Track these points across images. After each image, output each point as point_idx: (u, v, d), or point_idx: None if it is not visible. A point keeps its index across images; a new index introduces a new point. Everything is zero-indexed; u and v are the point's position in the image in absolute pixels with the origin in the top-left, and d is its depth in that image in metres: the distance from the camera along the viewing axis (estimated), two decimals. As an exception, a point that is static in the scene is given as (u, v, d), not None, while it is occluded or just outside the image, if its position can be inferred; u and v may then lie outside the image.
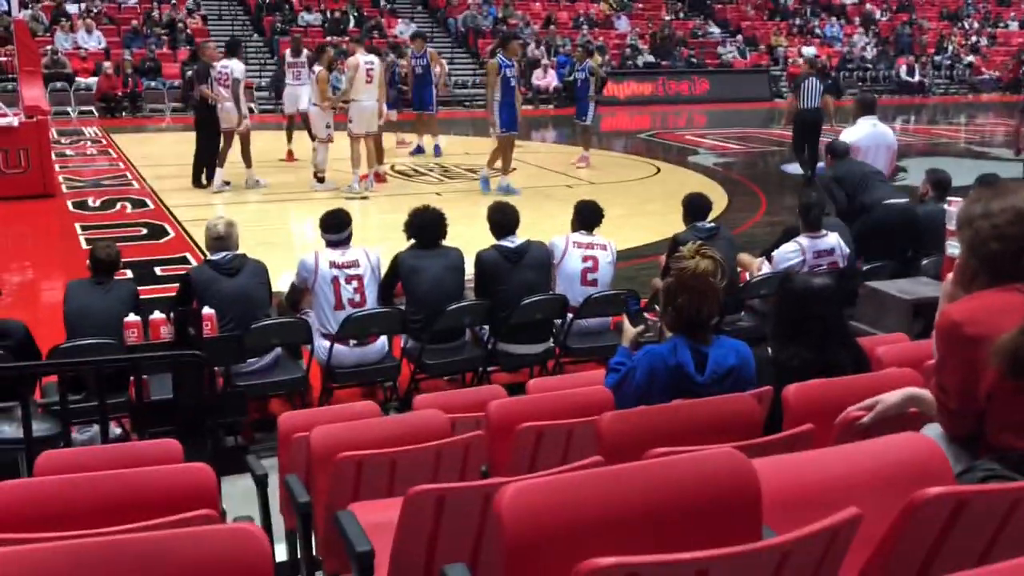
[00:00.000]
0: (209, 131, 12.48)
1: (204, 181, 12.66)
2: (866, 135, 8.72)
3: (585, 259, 6.47)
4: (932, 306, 5.38)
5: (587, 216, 6.62)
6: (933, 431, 2.43)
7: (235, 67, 12.45)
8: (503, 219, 6.35)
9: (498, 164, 12.72)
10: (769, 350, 3.83)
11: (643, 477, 1.82)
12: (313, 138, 13.04)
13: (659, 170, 15.38)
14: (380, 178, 12.94)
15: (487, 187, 12.52)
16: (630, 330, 3.77)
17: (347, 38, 22.83)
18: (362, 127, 12.24)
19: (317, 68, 12.68)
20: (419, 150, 15.66)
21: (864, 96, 9.90)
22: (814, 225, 6.58)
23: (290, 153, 15.10)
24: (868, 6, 33.16)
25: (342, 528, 2.57)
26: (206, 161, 12.64)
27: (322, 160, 12.59)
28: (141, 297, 5.69)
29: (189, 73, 13.00)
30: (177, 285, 6.03)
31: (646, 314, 6.26)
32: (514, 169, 13.03)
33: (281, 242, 9.69)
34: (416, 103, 15.61)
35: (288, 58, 15.24)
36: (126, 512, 2.19)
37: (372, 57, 12.42)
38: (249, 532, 1.69)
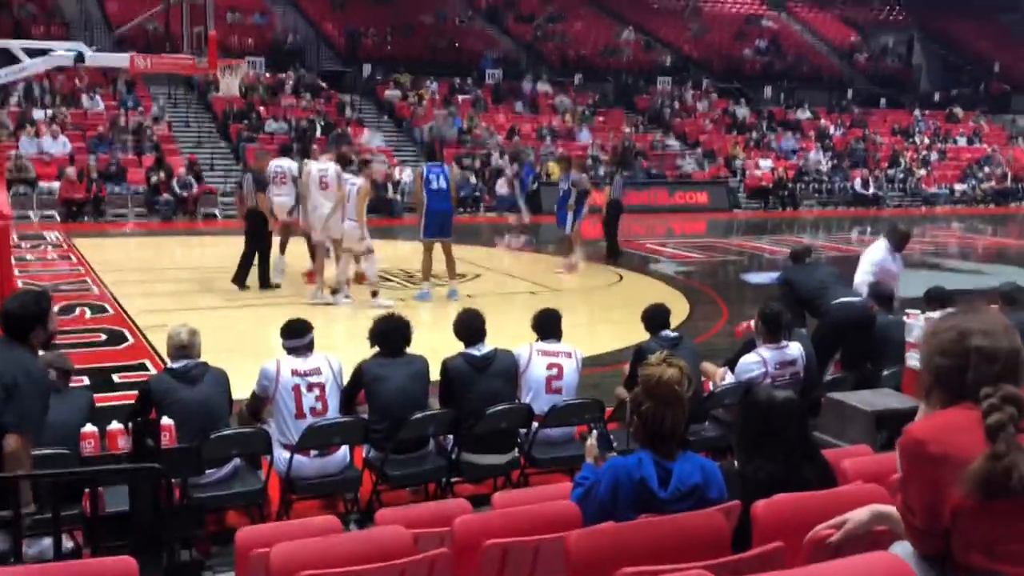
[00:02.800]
0: (259, 237, 12.92)
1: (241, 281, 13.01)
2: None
3: (550, 367, 6.46)
4: (895, 417, 5.46)
5: (546, 326, 6.64)
6: (902, 549, 2.42)
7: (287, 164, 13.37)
8: (470, 327, 6.34)
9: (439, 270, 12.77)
10: (735, 463, 3.83)
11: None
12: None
13: (621, 277, 15.53)
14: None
15: (455, 296, 12.57)
16: (594, 448, 3.75)
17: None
18: (322, 233, 12.29)
19: (359, 181, 12.25)
20: None
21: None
22: (775, 335, 6.64)
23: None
24: (823, 122, 34.23)
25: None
26: (252, 259, 13.02)
27: (372, 273, 12.41)
28: (98, 405, 5.57)
29: (243, 182, 13.20)
30: (135, 393, 5.93)
31: (610, 425, 6.28)
32: (466, 276, 13.12)
33: (244, 349, 9.60)
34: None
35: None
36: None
37: (326, 164, 12.45)
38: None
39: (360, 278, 13.00)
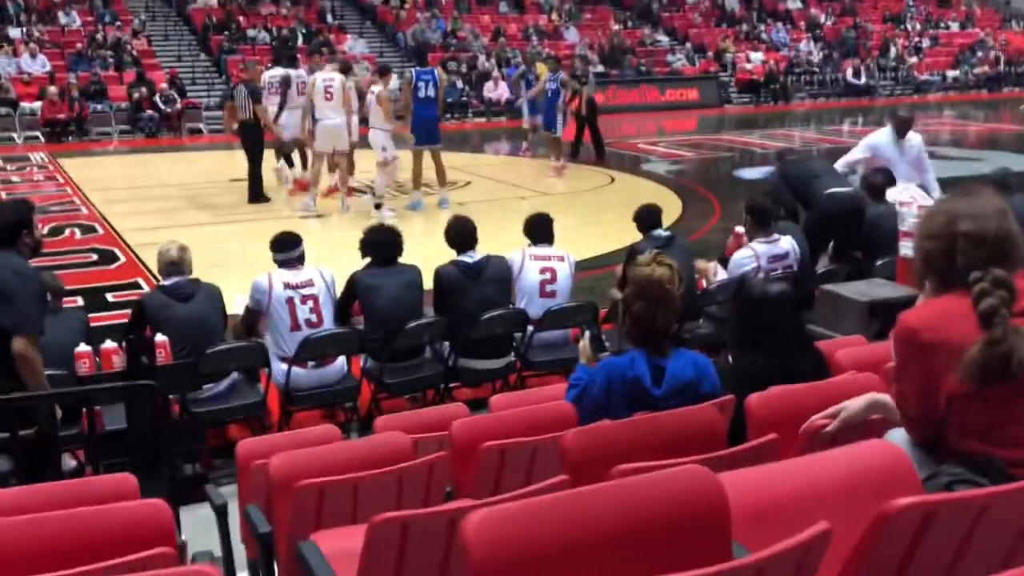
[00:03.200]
0: (257, 149, 12.90)
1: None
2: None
3: (543, 271, 6.46)
4: (888, 307, 5.47)
5: (538, 230, 6.61)
6: (897, 436, 2.43)
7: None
8: (461, 234, 6.32)
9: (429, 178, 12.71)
10: (729, 358, 3.84)
11: (610, 499, 1.79)
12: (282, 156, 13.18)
13: (613, 179, 15.43)
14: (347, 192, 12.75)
15: (446, 204, 12.47)
16: (587, 349, 3.75)
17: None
18: (326, 145, 12.16)
19: (377, 88, 12.20)
20: None
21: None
22: (765, 228, 6.62)
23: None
24: (813, 11, 33.63)
25: (304, 561, 2.52)
26: (260, 176, 13.01)
27: (380, 184, 12.31)
28: (93, 325, 5.57)
29: (237, 93, 13.02)
30: (129, 311, 5.92)
31: (604, 326, 6.30)
32: (457, 184, 13.08)
33: (235, 264, 9.57)
34: None
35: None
36: (80, 553, 2.12)
37: (332, 74, 12.29)
38: (205, 574, 1.63)
39: (331, 191, 12.99)
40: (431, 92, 12.44)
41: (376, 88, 12.20)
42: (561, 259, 6.56)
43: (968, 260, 2.26)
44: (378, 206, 12.06)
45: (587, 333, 3.84)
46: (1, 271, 4.33)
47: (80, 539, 2.23)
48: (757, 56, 29.42)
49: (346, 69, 13.05)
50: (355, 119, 12.70)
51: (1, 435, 4.23)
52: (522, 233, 6.69)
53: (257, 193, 13.02)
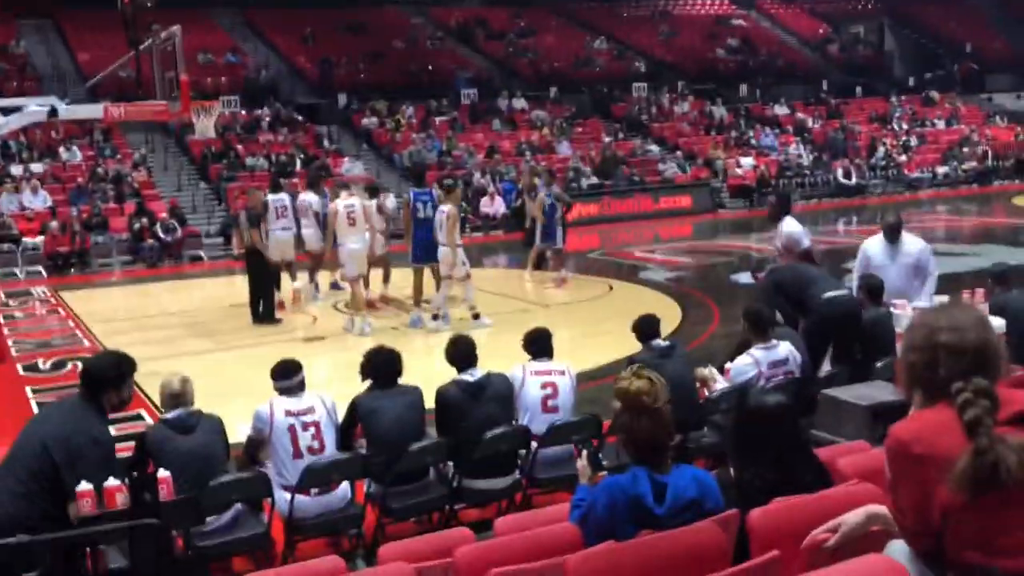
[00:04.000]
0: (259, 272, 13.28)
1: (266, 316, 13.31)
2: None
3: (544, 386, 6.46)
4: (890, 410, 5.46)
5: (537, 344, 6.65)
6: (897, 548, 2.43)
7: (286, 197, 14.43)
8: (462, 352, 6.35)
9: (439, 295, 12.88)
10: (731, 470, 3.84)
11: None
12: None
13: (611, 288, 15.56)
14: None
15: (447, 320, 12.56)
16: (587, 470, 3.76)
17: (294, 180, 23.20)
18: (354, 269, 12.34)
19: (446, 207, 12.34)
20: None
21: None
22: (763, 334, 6.66)
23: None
24: (799, 115, 34.37)
25: None
26: (261, 296, 13.33)
27: (470, 296, 12.55)
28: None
29: (241, 220, 13.56)
30: (132, 444, 5.91)
31: (609, 438, 6.28)
32: (455, 298, 13.27)
33: (238, 391, 9.58)
34: None
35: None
36: None
37: (352, 200, 12.57)
38: None
39: (372, 303, 13.55)
40: (430, 212, 12.67)
41: (445, 207, 12.36)
42: (562, 373, 6.58)
43: (950, 371, 2.31)
44: (476, 316, 12.33)
45: (584, 452, 3.85)
46: (76, 436, 4.54)
47: None
48: (748, 161, 29.96)
49: (374, 190, 13.77)
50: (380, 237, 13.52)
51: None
52: (521, 348, 6.73)
53: (265, 314, 13.16)
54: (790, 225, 8.32)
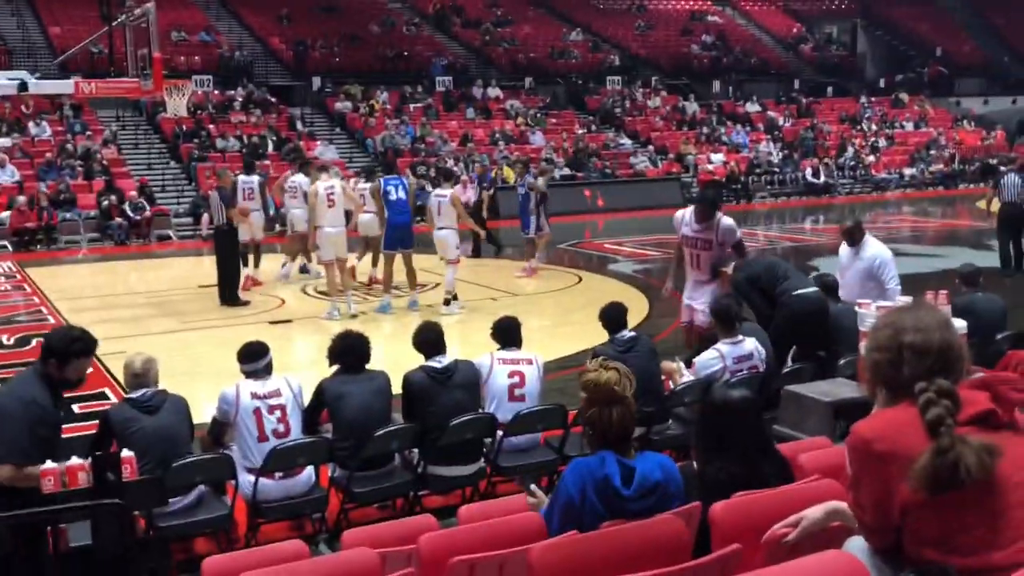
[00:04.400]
0: (232, 251, 13.30)
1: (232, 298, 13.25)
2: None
3: (511, 375, 6.49)
4: (852, 407, 5.54)
5: (506, 334, 6.68)
6: (856, 544, 2.47)
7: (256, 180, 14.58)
8: (429, 339, 6.36)
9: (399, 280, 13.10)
10: (695, 464, 3.88)
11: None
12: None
13: (580, 279, 15.61)
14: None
15: (415, 306, 12.63)
16: (534, 498, 3.79)
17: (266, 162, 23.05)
18: (330, 253, 12.27)
19: (448, 191, 12.82)
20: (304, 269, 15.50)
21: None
22: (730, 329, 6.72)
23: (251, 279, 14.87)
24: (771, 113, 34.58)
25: None
26: (231, 280, 13.30)
27: (450, 281, 12.74)
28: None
29: (211, 200, 13.50)
30: (96, 423, 5.88)
31: (574, 428, 6.32)
32: (427, 286, 13.35)
33: (204, 371, 9.54)
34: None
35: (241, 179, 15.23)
36: None
37: (332, 181, 12.53)
38: None
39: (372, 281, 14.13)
40: (402, 195, 12.70)
41: (447, 191, 12.80)
42: (530, 362, 6.61)
43: (913, 371, 2.36)
44: (447, 302, 12.52)
45: (532, 487, 3.89)
46: (9, 398, 4.54)
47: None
48: (718, 157, 30.13)
49: (370, 171, 14.01)
50: (364, 216, 13.77)
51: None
52: (490, 337, 6.75)
53: (231, 295, 13.06)
54: (728, 219, 8.46)
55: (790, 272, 7.92)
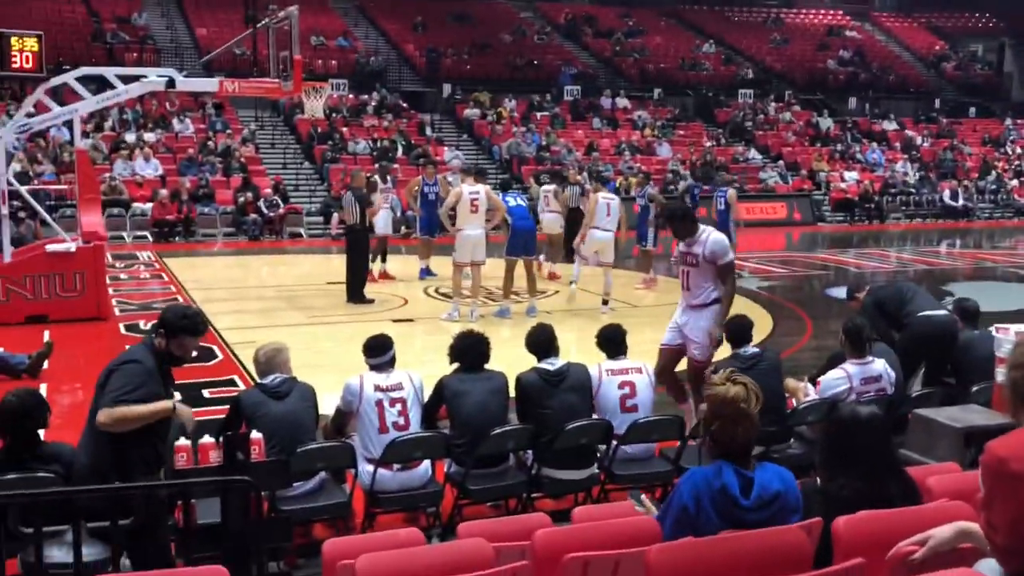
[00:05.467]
0: (362, 251, 13.67)
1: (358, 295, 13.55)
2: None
3: (621, 385, 6.45)
4: (984, 434, 5.32)
5: (611, 343, 6.65)
6: (987, 567, 2.39)
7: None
8: (541, 341, 6.38)
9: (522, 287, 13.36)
10: (818, 480, 3.80)
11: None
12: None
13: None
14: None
15: (533, 312, 12.70)
16: (650, 507, 3.76)
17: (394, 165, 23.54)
18: (465, 256, 12.49)
19: (615, 197, 13.89)
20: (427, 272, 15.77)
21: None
22: (860, 351, 6.54)
23: (384, 273, 15.56)
24: (909, 132, 33.51)
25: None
26: (360, 279, 13.64)
27: (609, 283, 13.54)
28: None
29: (345, 200, 13.87)
30: (225, 408, 6.10)
31: (689, 441, 6.24)
32: (546, 293, 13.48)
33: (327, 365, 9.79)
34: (424, 228, 15.81)
35: (380, 184, 15.74)
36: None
37: (477, 187, 12.67)
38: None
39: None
40: (521, 201, 13.03)
41: (615, 197, 13.84)
42: (639, 371, 6.56)
43: None
44: (606, 302, 13.22)
45: (642, 496, 3.86)
46: (125, 355, 4.74)
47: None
48: (852, 175, 29.36)
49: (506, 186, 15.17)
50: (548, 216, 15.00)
51: (103, 523, 4.37)
52: (596, 347, 6.72)
53: (358, 293, 13.38)
54: (717, 235, 7.59)
55: (918, 294, 7.65)
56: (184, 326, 4.88)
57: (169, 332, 4.83)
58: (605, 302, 13.24)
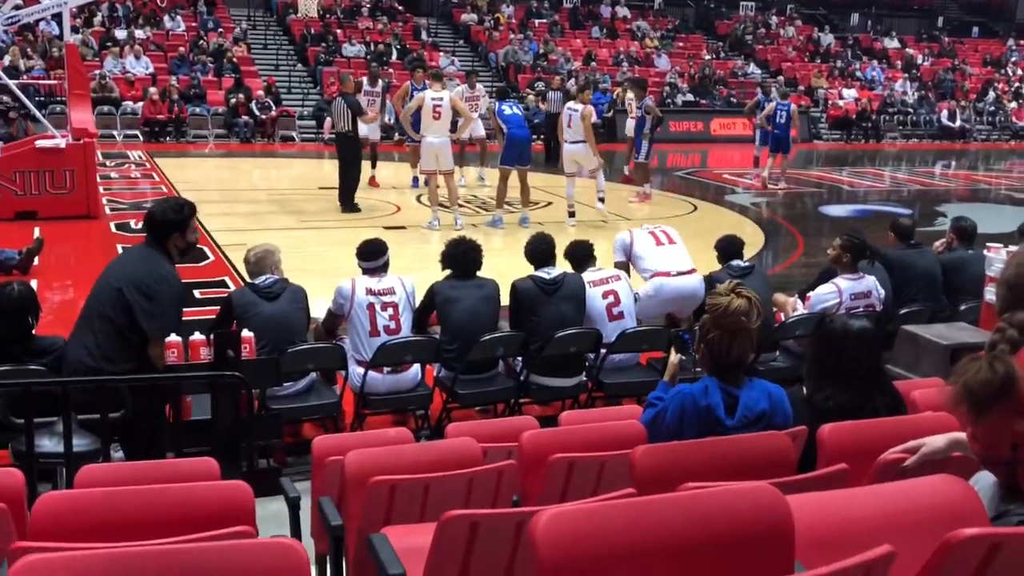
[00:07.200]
0: (354, 158, 13.32)
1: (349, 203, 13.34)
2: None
3: (605, 295, 6.47)
4: (969, 351, 5.36)
5: (577, 258, 6.66)
6: (984, 478, 2.42)
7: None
8: (540, 250, 6.38)
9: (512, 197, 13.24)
10: (804, 390, 3.83)
11: (677, 509, 1.83)
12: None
13: (696, 208, 15.39)
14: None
15: (526, 223, 12.61)
16: (673, 362, 3.77)
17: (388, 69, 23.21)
18: (430, 164, 12.35)
19: (579, 107, 12.73)
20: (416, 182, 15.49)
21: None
22: (853, 264, 6.56)
23: (372, 180, 15.26)
24: (910, 51, 33.10)
25: (375, 551, 2.60)
26: (354, 187, 13.37)
27: (601, 184, 13.07)
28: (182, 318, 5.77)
29: (335, 106, 13.52)
30: (216, 308, 6.12)
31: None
32: (539, 203, 13.33)
33: (317, 269, 9.78)
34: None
35: (365, 86, 15.46)
36: (167, 525, 2.23)
37: (441, 93, 12.48)
38: (290, 547, 1.72)
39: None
40: (517, 111, 12.82)
41: (580, 106, 12.73)
42: (618, 278, 6.59)
43: (1002, 304, 2.34)
44: (572, 214, 12.86)
45: (676, 353, 3.84)
46: (147, 276, 4.70)
47: (167, 512, 2.34)
48: (850, 93, 29.08)
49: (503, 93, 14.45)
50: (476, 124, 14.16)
51: (93, 416, 4.42)
52: (606, 250, 6.71)
53: (350, 201, 13.26)
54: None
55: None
56: (187, 213, 4.90)
57: (179, 227, 4.83)
58: (571, 214, 12.84)
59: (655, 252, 7.10)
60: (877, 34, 33.92)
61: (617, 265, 6.99)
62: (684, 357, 3.78)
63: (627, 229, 6.73)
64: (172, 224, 4.81)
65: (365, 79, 15.86)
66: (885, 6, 35.73)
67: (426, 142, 12.28)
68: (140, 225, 5.26)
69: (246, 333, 5.03)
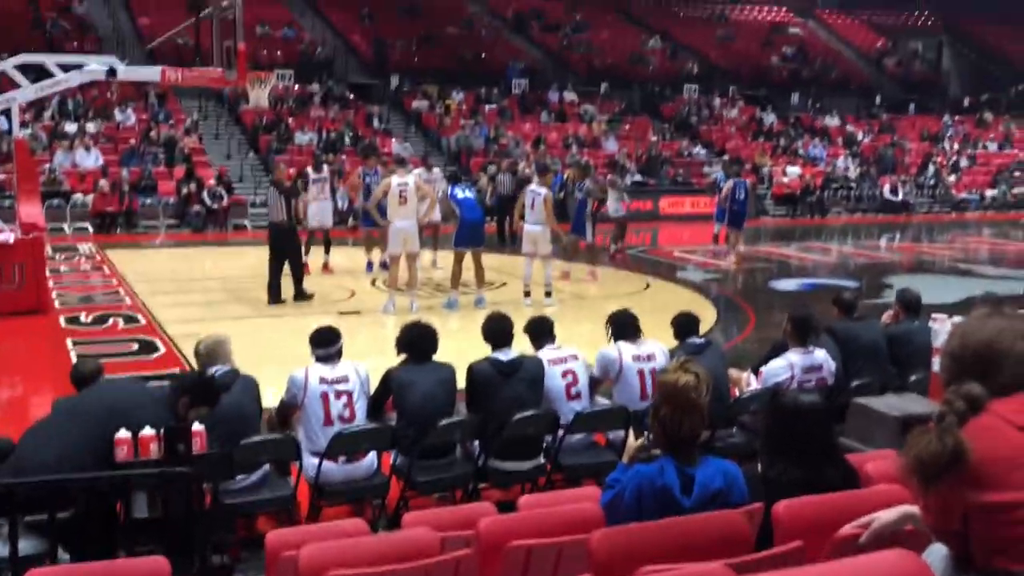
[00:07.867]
0: (284, 250, 12.94)
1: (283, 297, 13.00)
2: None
3: (564, 374, 6.46)
4: (921, 423, 5.42)
5: (538, 332, 6.67)
6: (937, 551, 2.44)
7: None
8: (497, 331, 6.37)
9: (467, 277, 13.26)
10: (759, 466, 3.85)
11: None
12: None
13: (648, 285, 15.54)
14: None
15: (482, 303, 12.66)
16: (631, 444, 3.79)
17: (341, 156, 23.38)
18: (397, 248, 12.42)
19: (543, 190, 13.16)
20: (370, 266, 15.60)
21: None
22: (804, 340, 6.63)
23: (325, 265, 15.38)
24: (850, 128, 34.04)
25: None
26: (300, 274, 13.22)
27: (548, 276, 13.22)
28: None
29: (269, 196, 13.40)
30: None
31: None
32: (494, 284, 13.40)
33: (272, 357, 9.69)
34: (368, 221, 14.79)
35: (311, 174, 15.52)
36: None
37: (406, 178, 12.57)
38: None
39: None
40: (470, 194, 13.01)
41: (543, 189, 13.20)
42: (575, 357, 6.58)
43: (948, 376, 2.41)
44: (548, 294, 13.03)
45: (633, 436, 3.87)
46: (144, 413, 4.76)
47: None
48: (794, 170, 29.75)
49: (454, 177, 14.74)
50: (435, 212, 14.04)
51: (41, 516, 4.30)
52: (566, 331, 6.70)
53: (298, 290, 13.07)
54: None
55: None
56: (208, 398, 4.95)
57: (196, 400, 4.88)
58: (527, 294, 12.98)
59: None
60: (818, 113, 34.88)
61: (593, 377, 6.89)
62: (644, 441, 3.80)
63: (615, 347, 6.68)
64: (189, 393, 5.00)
65: (310, 167, 15.98)
66: (824, 86, 36.83)
67: (394, 227, 12.37)
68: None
69: (197, 426, 4.95)
